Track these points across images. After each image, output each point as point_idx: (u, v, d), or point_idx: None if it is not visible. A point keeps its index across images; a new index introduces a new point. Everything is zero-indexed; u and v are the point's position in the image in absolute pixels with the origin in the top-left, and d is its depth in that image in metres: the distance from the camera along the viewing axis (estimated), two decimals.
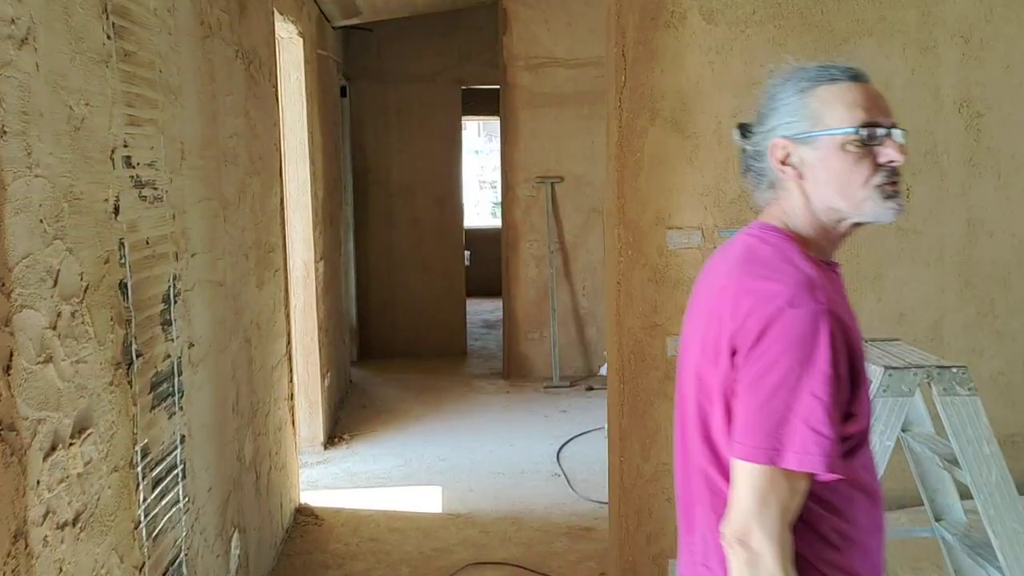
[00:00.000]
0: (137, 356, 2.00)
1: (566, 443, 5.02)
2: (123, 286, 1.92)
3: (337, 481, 4.50)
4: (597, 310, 6.48)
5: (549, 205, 6.38)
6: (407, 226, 7.36)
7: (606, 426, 5.27)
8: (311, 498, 4.22)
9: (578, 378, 6.46)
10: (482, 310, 9.98)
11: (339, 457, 4.85)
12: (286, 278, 4.00)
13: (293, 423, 4.05)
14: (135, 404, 1.98)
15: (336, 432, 5.23)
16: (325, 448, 4.93)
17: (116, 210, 1.90)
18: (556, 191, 6.42)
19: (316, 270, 4.95)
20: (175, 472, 2.27)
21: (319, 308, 5.00)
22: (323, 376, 5.03)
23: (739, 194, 2.59)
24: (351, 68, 7.18)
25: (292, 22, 4.36)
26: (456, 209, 7.42)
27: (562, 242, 6.46)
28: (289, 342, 4.03)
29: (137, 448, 1.99)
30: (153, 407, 2.11)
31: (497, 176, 16.61)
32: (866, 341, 2.23)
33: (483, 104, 10.44)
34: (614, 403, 2.78)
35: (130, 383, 1.95)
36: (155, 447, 2.12)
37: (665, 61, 2.61)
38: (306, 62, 4.76)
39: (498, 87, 7.15)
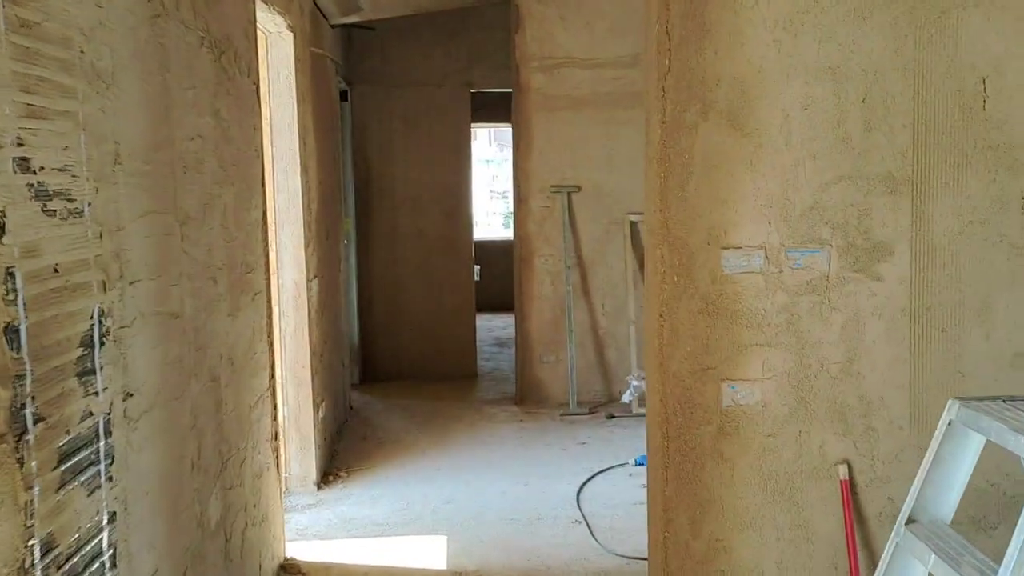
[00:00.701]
0: (36, 422, 1.52)
1: (587, 481, 4.50)
2: (10, 331, 1.44)
3: (330, 529, 3.99)
4: (617, 330, 5.97)
5: (565, 216, 5.89)
6: (413, 239, 6.88)
7: (631, 462, 4.81)
8: (299, 550, 3.72)
9: (597, 404, 5.94)
10: (493, 326, 9.49)
11: (333, 499, 4.34)
12: (270, 302, 3.51)
13: (278, 467, 3.56)
14: (29, 487, 1.49)
15: (332, 468, 4.73)
16: (318, 488, 4.43)
17: (0, 228, 1.41)
18: (573, 201, 5.93)
19: (309, 290, 4.47)
20: (100, 562, 1.77)
21: (312, 332, 4.51)
22: (317, 407, 4.53)
23: (811, 205, 2.09)
24: (353, 71, 6.72)
25: (280, 13, 3.89)
26: (465, 221, 6.94)
27: (579, 257, 5.96)
28: (273, 375, 3.54)
29: (33, 544, 1.50)
30: (63, 485, 1.62)
31: (510, 186, 16.21)
32: (995, 399, 1.72)
33: (494, 110, 9.98)
34: (655, 465, 2.27)
35: (20, 461, 1.46)
36: (66, 537, 1.62)
37: (719, 40, 2.12)
38: (297, 59, 4.29)
39: (510, 91, 6.68)
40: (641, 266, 5.85)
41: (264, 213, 3.45)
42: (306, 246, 4.42)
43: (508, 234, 11.58)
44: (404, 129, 6.80)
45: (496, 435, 5.35)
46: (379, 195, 6.83)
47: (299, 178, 4.29)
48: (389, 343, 6.93)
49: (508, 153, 17.36)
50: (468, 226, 6.95)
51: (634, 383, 5.39)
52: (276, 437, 3.53)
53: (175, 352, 2.31)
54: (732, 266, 2.08)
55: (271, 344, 3.51)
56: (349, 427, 5.56)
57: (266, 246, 3.47)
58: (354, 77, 6.72)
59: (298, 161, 4.28)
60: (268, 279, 3.50)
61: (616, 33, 5.84)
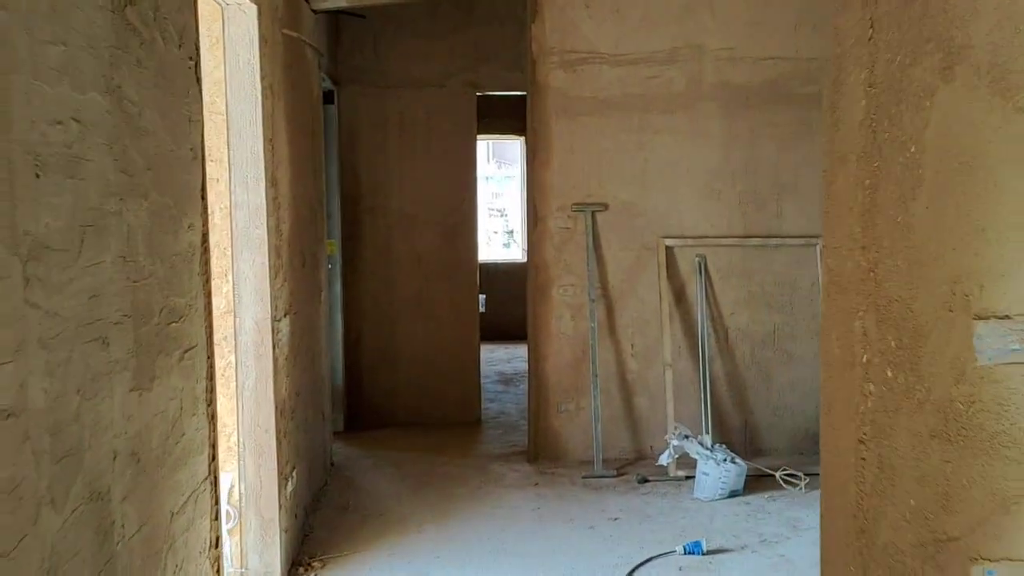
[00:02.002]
0: None
1: None
2: None
3: None
4: (649, 375, 5.04)
5: (589, 240, 4.97)
6: (409, 264, 5.95)
7: (679, 550, 3.81)
8: None
9: (625, 462, 5.00)
10: (496, 358, 8.55)
11: None
12: (212, 357, 2.58)
13: None
14: None
15: (303, 555, 3.78)
16: None
17: None
18: (598, 222, 5.01)
19: (276, 331, 3.53)
20: None
21: (280, 384, 3.57)
22: (284, 480, 3.59)
23: None
24: (340, 68, 5.81)
25: None
26: (469, 243, 6.01)
27: (605, 288, 5.03)
28: (215, 456, 2.59)
29: None
30: None
31: (510, 205, 15.26)
32: None
33: (495, 120, 9.09)
34: None
35: None
36: None
37: None
38: (264, 41, 3.38)
39: (522, 94, 5.79)
40: (679, 300, 4.93)
41: (204, 236, 2.52)
42: (273, 276, 3.49)
43: (511, 256, 10.66)
44: (399, 136, 5.90)
45: (507, 505, 4.40)
46: (370, 213, 5.91)
47: (263, 191, 3.36)
48: (380, 385, 5.98)
49: (508, 170, 16.50)
50: (472, 249, 6.03)
51: (674, 443, 4.45)
52: (217, 544, 2.58)
53: (4, 474, 1.37)
54: (995, 351, 1.11)
55: (212, 416, 2.56)
56: (329, 492, 4.60)
57: (207, 281, 2.53)
58: (342, 75, 5.82)
59: (263, 170, 3.36)
60: (210, 325, 2.56)
61: (650, 23, 4.95)
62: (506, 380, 7.55)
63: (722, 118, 4.98)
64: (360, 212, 5.90)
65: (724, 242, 5.00)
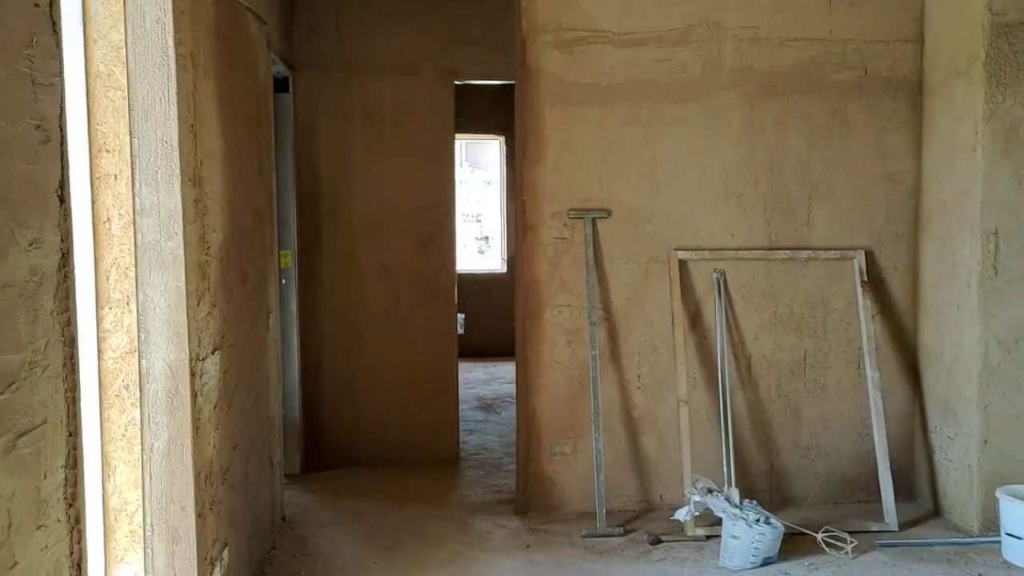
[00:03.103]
0: None
1: None
2: None
3: None
4: (658, 411, 4.28)
5: (589, 252, 4.20)
6: (376, 277, 5.15)
7: None
8: None
9: (631, 514, 4.24)
10: (474, 380, 7.76)
11: None
12: (75, 435, 1.77)
13: None
14: None
15: None
16: None
17: None
18: (600, 231, 4.25)
19: (199, 374, 2.73)
20: None
21: (204, 442, 2.76)
22: (209, 565, 2.78)
23: None
24: (297, 52, 5.01)
25: None
26: (446, 253, 5.22)
27: (607, 309, 4.27)
28: None
29: None
30: None
31: (484, 211, 14.45)
32: None
33: (472, 117, 8.33)
34: None
35: None
36: None
37: None
38: None
39: (507, 83, 5.03)
40: (694, 324, 4.19)
41: (65, 256, 1.72)
42: (195, 303, 2.68)
43: (488, 265, 9.88)
44: (365, 130, 5.10)
45: (493, 573, 3.62)
46: (330, 218, 5.10)
47: (179, 193, 2.55)
48: (342, 418, 5.17)
49: (482, 174, 15.68)
50: (449, 260, 5.24)
51: (695, 498, 3.70)
52: None
53: None
54: None
55: (77, 519, 1.75)
56: (277, 560, 3.79)
57: (67, 324, 1.73)
58: (298, 59, 5.01)
59: (177, 164, 2.55)
60: (73, 387, 1.76)
61: None
62: (486, 406, 6.76)
63: (744, 109, 4.25)
64: (319, 218, 5.09)
65: (746, 255, 4.26)
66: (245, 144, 3.53)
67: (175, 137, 2.54)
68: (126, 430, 2.51)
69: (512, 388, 7.44)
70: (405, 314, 5.18)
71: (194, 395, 2.66)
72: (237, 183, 3.35)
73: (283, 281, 4.92)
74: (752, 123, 4.25)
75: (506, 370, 8.36)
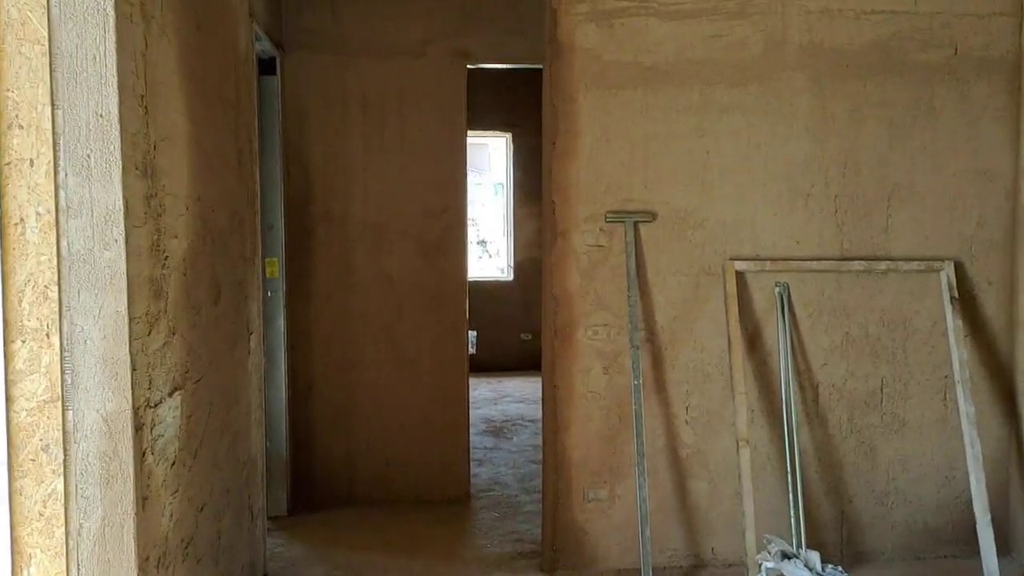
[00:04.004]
0: None
1: None
2: None
3: None
4: (711, 448, 3.63)
5: (631, 263, 3.55)
6: (377, 289, 4.50)
7: None
8: None
9: (679, 572, 3.59)
10: (480, 398, 7.10)
11: None
12: None
13: None
14: None
15: None
16: None
17: None
18: (643, 238, 3.60)
19: (151, 426, 2.06)
20: None
21: (155, 515, 2.10)
22: None
23: None
24: (287, 29, 4.35)
25: None
26: (455, 262, 4.57)
27: (651, 329, 3.62)
28: None
29: None
30: None
31: (479, 215, 13.80)
32: None
33: (477, 113, 7.69)
34: None
35: None
36: None
37: None
38: None
39: (530, 66, 4.41)
40: (752, 347, 3.55)
41: None
42: (143, 331, 2.02)
43: (490, 272, 9.21)
44: (364, 121, 4.44)
45: None
46: (324, 221, 4.44)
47: (120, 185, 1.89)
48: (336, 450, 4.50)
49: (478, 178, 14.98)
50: (460, 270, 4.58)
51: (768, 564, 3.04)
52: None
53: None
54: None
55: None
56: None
57: None
58: (287, 38, 4.35)
59: (117, 146, 1.89)
60: None
61: None
62: (496, 430, 6.10)
63: (812, 93, 3.61)
64: (312, 220, 4.43)
65: (814, 266, 3.62)
66: (220, 129, 2.87)
67: (115, 110, 1.87)
68: (45, 506, 1.85)
69: (523, 408, 6.79)
70: (409, 331, 4.52)
71: (141, 454, 2.00)
72: (208, 176, 2.69)
73: (268, 293, 4.26)
74: (822, 111, 3.61)
75: (513, 386, 7.70)
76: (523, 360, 8.52)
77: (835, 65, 3.61)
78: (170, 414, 2.22)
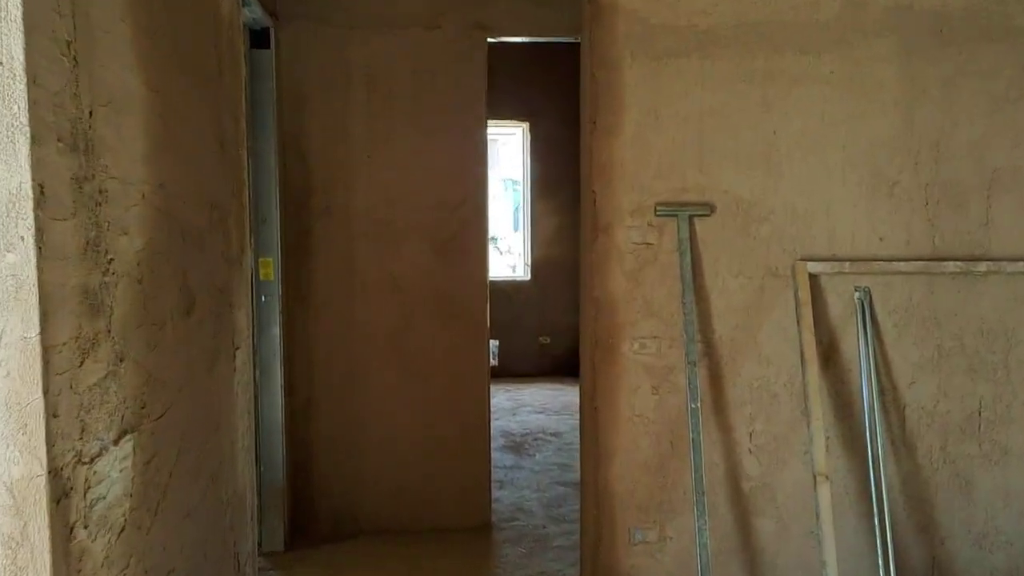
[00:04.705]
0: None
1: None
2: None
3: None
4: (778, 481, 3.09)
5: (685, 262, 3.01)
6: (383, 293, 3.96)
7: None
8: None
9: None
10: (497, 408, 6.56)
11: None
12: None
13: None
14: None
15: None
16: None
17: None
18: (698, 233, 3.05)
19: (85, 489, 1.53)
20: None
21: None
22: None
23: None
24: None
25: None
26: (474, 262, 4.03)
27: (708, 340, 3.07)
28: None
29: None
30: None
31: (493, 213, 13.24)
32: None
33: (490, 99, 7.15)
34: None
35: None
36: None
37: None
38: None
39: (553, 39, 3.87)
40: (827, 361, 3.00)
41: None
42: (71, 362, 1.49)
43: (506, 272, 8.69)
44: (370, 102, 3.91)
45: None
46: (325, 217, 3.91)
47: (27, 161, 1.36)
48: (340, 476, 3.98)
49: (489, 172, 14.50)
50: (480, 271, 4.04)
51: None
52: None
53: None
54: None
55: None
56: None
57: None
58: (282, 5, 3.82)
59: (23, 106, 1.35)
60: None
61: None
62: (515, 445, 5.56)
63: (900, 62, 3.05)
64: (310, 215, 3.90)
65: (901, 267, 3.06)
66: (194, 104, 2.33)
67: (20, 55, 1.34)
68: None
69: (544, 420, 6.25)
70: (421, 341, 3.99)
71: (68, 531, 1.46)
72: (176, 160, 2.15)
73: (263, 298, 3.73)
74: (911, 83, 3.06)
75: (531, 394, 7.17)
76: (541, 365, 7.99)
77: (926, 29, 3.05)
78: (115, 467, 1.68)
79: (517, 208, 8.77)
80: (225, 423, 2.63)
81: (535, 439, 5.71)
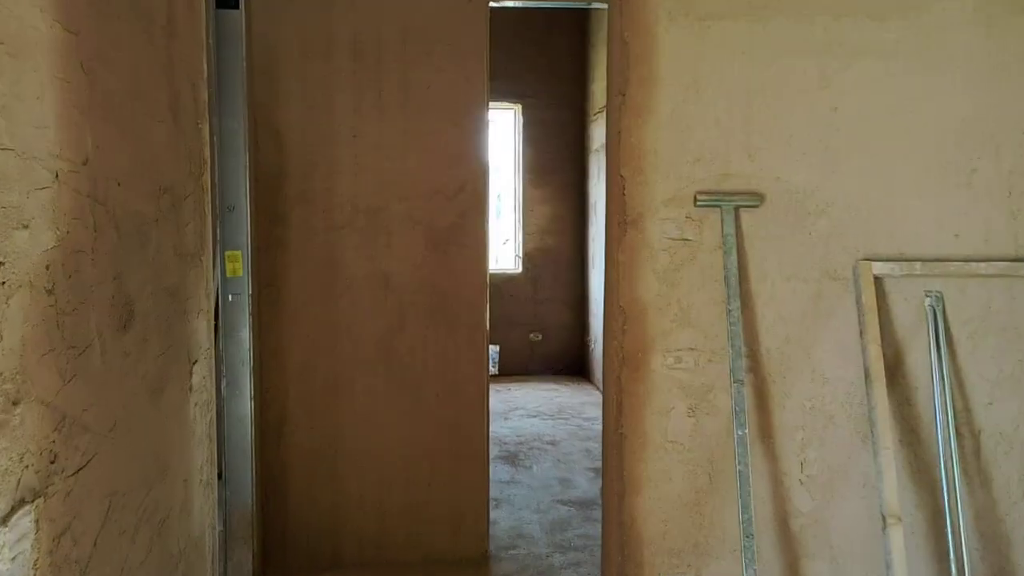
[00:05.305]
0: None
1: None
2: None
3: None
4: (833, 519, 2.65)
5: (731, 262, 2.54)
6: (371, 292, 3.48)
7: None
8: None
9: None
10: (492, 411, 6.07)
11: None
12: None
13: None
14: None
15: None
16: None
17: None
18: (744, 228, 2.59)
19: None
20: None
21: None
22: None
23: None
24: None
25: None
26: (474, 257, 3.55)
27: (754, 354, 2.62)
28: None
29: None
30: None
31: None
32: None
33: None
34: None
35: None
36: None
37: None
38: None
39: (565, 5, 3.41)
40: (891, 378, 2.56)
41: None
42: None
43: (501, 264, 8.22)
44: (356, 73, 3.41)
45: None
46: (302, 203, 3.41)
47: None
48: (319, 500, 3.50)
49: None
50: (479, 267, 3.56)
51: None
52: None
53: None
54: None
55: None
56: None
57: None
58: None
59: None
60: None
61: None
62: (511, 457, 5.10)
63: (979, 29, 2.60)
64: (286, 202, 3.40)
65: (979, 268, 2.62)
66: (133, 56, 1.83)
67: None
68: None
69: (539, 425, 5.79)
70: (413, 346, 3.51)
71: None
72: (108, 127, 1.66)
73: (229, 297, 3.23)
74: (992, 54, 2.61)
75: (524, 396, 6.71)
76: (533, 364, 7.54)
77: None
78: (4, 556, 1.20)
79: (498, 195, 8.27)
80: (177, 461, 2.14)
81: (531, 448, 5.25)
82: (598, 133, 7.19)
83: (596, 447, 5.29)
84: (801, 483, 2.65)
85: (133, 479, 1.80)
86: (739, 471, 2.47)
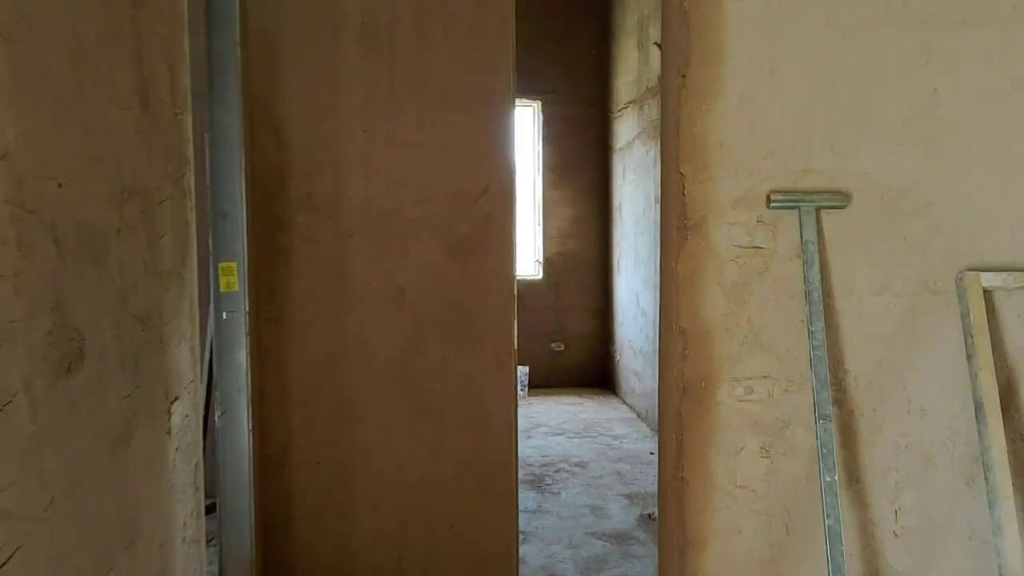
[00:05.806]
0: None
1: None
2: None
3: None
4: (934, 575, 2.22)
5: (813, 274, 2.13)
6: (383, 306, 3.08)
7: None
8: None
9: None
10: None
11: None
12: None
13: None
14: None
15: None
16: None
17: None
18: (826, 232, 2.18)
19: None
20: None
21: None
22: None
23: None
24: None
25: None
26: (500, 266, 3.14)
27: (839, 382, 2.20)
28: None
29: None
30: None
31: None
32: None
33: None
34: None
35: None
36: None
37: None
38: None
39: None
40: (1003, 410, 2.14)
41: None
42: None
43: (520, 270, 7.81)
44: (365, 60, 3.01)
45: None
46: (306, 208, 3.02)
47: None
48: (327, 541, 3.10)
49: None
50: (506, 278, 3.16)
51: None
52: None
53: None
54: None
55: None
56: None
57: None
58: None
59: None
60: None
61: None
62: (536, 481, 4.69)
63: None
64: (289, 206, 3.01)
65: None
66: (75, 18, 1.44)
67: None
68: None
69: (565, 444, 5.38)
70: (431, 368, 3.10)
71: None
72: (42, 111, 1.27)
73: (223, 315, 2.84)
74: None
75: (545, 410, 6.31)
76: (554, 375, 7.13)
77: None
78: None
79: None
80: (151, 522, 1.75)
81: (557, 471, 4.84)
82: (622, 131, 6.79)
83: (628, 469, 4.88)
84: (896, 535, 2.23)
85: (84, 561, 1.41)
86: (828, 526, 2.06)
